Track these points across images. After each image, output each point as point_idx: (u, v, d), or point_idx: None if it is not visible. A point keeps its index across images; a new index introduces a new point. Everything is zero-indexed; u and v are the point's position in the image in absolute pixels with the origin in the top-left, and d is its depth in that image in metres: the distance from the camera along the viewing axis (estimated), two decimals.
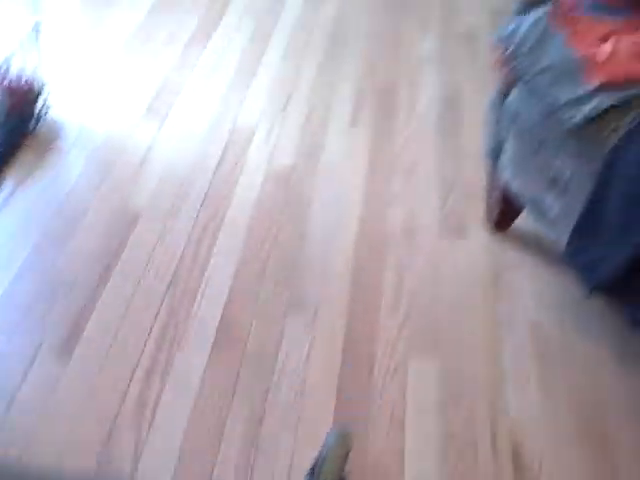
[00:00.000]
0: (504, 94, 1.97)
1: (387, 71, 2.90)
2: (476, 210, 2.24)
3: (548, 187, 1.86)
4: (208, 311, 1.91)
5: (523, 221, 2.14)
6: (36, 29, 2.51)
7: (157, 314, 1.89)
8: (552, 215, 1.87)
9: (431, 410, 1.71)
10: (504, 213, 2.16)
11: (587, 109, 1.64)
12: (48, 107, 2.49)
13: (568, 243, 1.76)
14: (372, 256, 2.09)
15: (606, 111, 1.62)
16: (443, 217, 2.23)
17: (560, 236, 1.82)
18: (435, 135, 2.55)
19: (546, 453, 1.63)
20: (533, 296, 2.00)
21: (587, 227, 1.71)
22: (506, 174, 2.02)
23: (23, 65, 2.45)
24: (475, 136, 2.38)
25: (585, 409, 1.72)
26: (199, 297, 1.94)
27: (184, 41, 2.98)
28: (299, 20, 3.18)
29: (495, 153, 2.07)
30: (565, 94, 1.69)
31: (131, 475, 1.54)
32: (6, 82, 2.38)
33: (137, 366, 1.76)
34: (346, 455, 1.14)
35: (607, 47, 1.67)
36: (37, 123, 2.45)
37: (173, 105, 2.62)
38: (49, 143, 2.43)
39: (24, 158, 2.36)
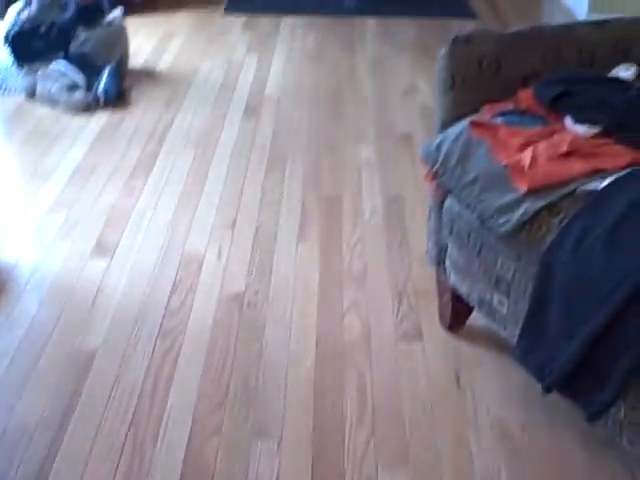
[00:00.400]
0: (440, 203, 2.05)
1: (329, 180, 2.99)
2: (430, 311, 2.28)
3: (493, 288, 1.91)
4: (172, 447, 1.87)
5: (477, 318, 2.19)
6: None
7: (120, 455, 1.85)
8: (501, 315, 1.91)
9: None
10: (456, 313, 2.20)
11: (518, 214, 1.71)
12: None
13: (517, 343, 1.80)
14: (332, 370, 2.10)
15: (536, 214, 1.69)
16: (398, 322, 2.27)
17: (511, 335, 1.86)
18: (382, 239, 2.62)
19: None
20: (495, 393, 2.02)
21: (533, 326, 1.75)
22: (452, 277, 2.07)
23: None
24: (422, 236, 2.44)
25: None
26: (162, 433, 1.91)
27: (127, 173, 3.04)
28: (237, 141, 3.28)
29: (439, 258, 2.13)
30: (495, 201, 1.77)
31: None
32: None
33: None
34: None
35: (528, 153, 1.76)
36: None
37: (121, 237, 2.65)
38: (0, 286, 2.42)
39: None
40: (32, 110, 3.59)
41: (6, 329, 2.27)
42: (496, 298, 1.91)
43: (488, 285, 1.92)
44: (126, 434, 1.91)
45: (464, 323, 2.23)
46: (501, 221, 1.75)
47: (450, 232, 2.00)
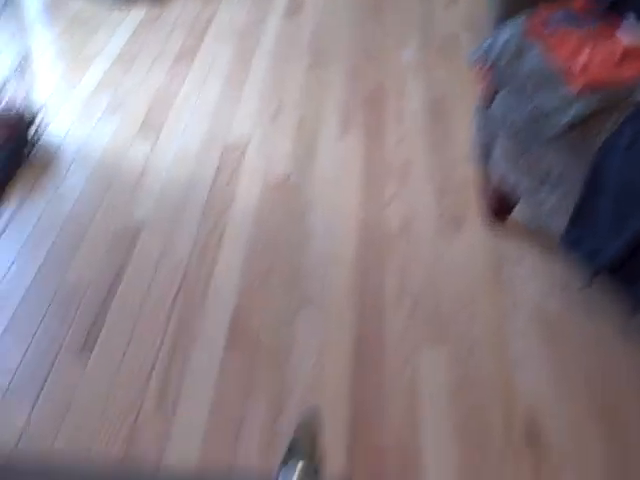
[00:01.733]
0: (488, 101, 2.04)
1: (372, 80, 2.96)
2: (472, 206, 2.30)
3: (541, 181, 1.92)
4: (218, 315, 1.94)
5: (519, 213, 2.21)
6: (25, 57, 2.53)
7: (168, 319, 1.92)
8: (548, 207, 1.92)
9: (444, 397, 1.75)
10: (500, 207, 2.22)
11: (571, 114, 1.71)
12: (42, 133, 2.52)
13: (565, 234, 1.82)
14: (374, 256, 2.14)
15: (588, 116, 1.69)
16: (440, 215, 2.28)
17: (557, 227, 1.88)
18: (425, 137, 2.61)
19: (559, 432, 1.67)
20: (535, 284, 2.05)
21: (583, 218, 1.77)
22: (499, 170, 2.08)
23: (14, 93, 2.47)
24: (465, 135, 2.44)
25: (595, 387, 1.77)
26: (208, 302, 1.97)
27: (170, 59, 3.03)
28: (281, 34, 3.24)
29: (485, 153, 2.13)
30: (547, 101, 1.77)
31: (157, 463, 1.56)
32: None
33: (154, 366, 1.80)
34: (317, 432, 1.11)
35: (582, 55, 1.75)
36: (32, 149, 2.48)
37: (165, 121, 2.66)
38: (46, 167, 2.46)
39: (22, 183, 2.38)
40: (68, 3, 3.55)
41: (54, 203, 2.32)
42: (543, 191, 1.92)
43: (536, 178, 1.93)
44: (172, 304, 1.97)
45: (505, 219, 2.25)
46: (553, 121, 1.75)
47: (499, 128, 2.00)
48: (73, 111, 2.72)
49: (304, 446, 1.09)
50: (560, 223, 1.86)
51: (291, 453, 1.08)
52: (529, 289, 2.04)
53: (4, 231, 2.19)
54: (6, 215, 2.25)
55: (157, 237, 2.18)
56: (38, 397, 1.70)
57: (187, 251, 2.13)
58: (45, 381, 1.75)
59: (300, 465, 1.05)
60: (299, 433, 1.11)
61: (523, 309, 1.98)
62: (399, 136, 2.63)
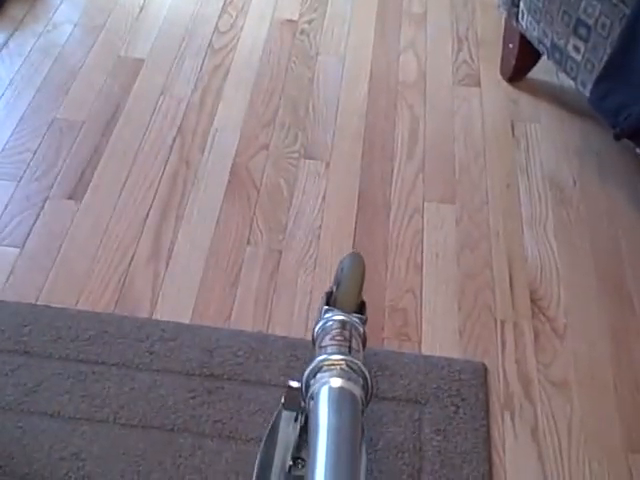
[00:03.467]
0: None
1: None
2: (490, 60, 2.17)
3: (572, 32, 1.79)
4: (219, 156, 1.86)
5: (539, 73, 2.10)
6: None
7: (167, 160, 1.84)
8: (574, 61, 1.81)
9: (448, 253, 1.70)
10: (520, 63, 2.10)
11: None
12: None
13: (593, 87, 1.71)
14: (385, 105, 2.03)
15: None
16: (457, 67, 2.16)
17: (584, 82, 1.77)
18: None
19: (564, 297, 1.63)
20: (549, 145, 1.96)
21: (614, 72, 1.66)
22: (525, 21, 1.94)
23: None
24: None
25: (602, 257, 1.72)
26: (209, 142, 1.89)
27: None
28: None
29: (513, 1, 1.99)
30: None
31: (150, 312, 1.53)
32: None
33: (150, 207, 1.73)
34: (362, 278, 1.09)
35: None
36: None
37: None
38: None
39: (13, 9, 2.23)
40: None
41: (47, 34, 2.18)
42: (572, 43, 1.80)
43: (566, 29, 1.80)
44: (173, 141, 1.89)
45: (525, 75, 2.13)
46: None
47: None
48: None
49: (348, 288, 1.05)
50: (589, 78, 1.75)
51: (336, 294, 1.04)
52: (542, 150, 1.96)
53: None
54: None
55: (157, 75, 2.07)
56: (24, 245, 1.64)
57: (189, 90, 2.03)
58: (33, 225, 1.68)
59: (341, 313, 0.99)
60: (344, 275, 1.07)
61: (535, 169, 1.90)
62: None
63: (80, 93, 1.99)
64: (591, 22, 1.73)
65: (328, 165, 1.87)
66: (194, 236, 1.68)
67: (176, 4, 2.30)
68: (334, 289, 1.07)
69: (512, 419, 1.42)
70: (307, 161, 1.87)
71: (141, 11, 2.28)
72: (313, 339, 0.99)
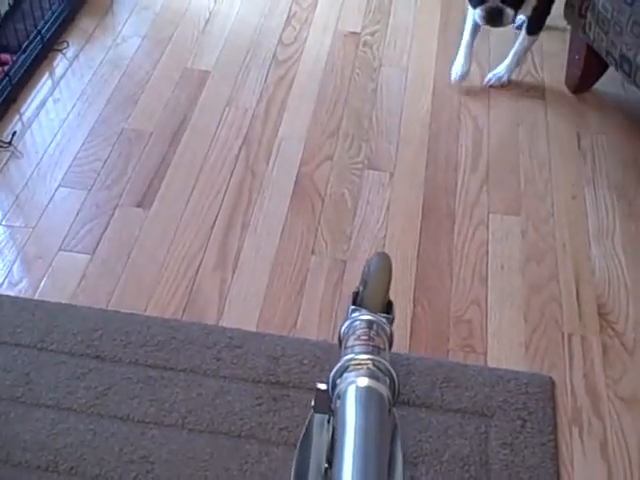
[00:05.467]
0: None
1: None
2: (555, 72, 2.16)
3: None
4: (284, 166, 1.88)
5: (605, 85, 2.08)
6: None
7: (233, 169, 1.87)
8: None
9: (513, 265, 1.69)
10: (586, 74, 2.08)
11: None
12: None
13: None
14: (449, 117, 2.03)
15: None
16: (521, 78, 2.15)
17: None
18: None
19: (632, 311, 1.60)
20: (617, 158, 1.94)
21: None
22: (593, 32, 1.93)
23: None
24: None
25: None
26: (274, 153, 1.91)
27: None
28: None
29: (580, 11, 1.97)
30: None
31: (217, 319, 1.55)
32: None
33: (217, 216, 1.75)
34: (389, 278, 1.07)
35: None
36: None
37: None
38: (107, 10, 2.35)
39: (84, 22, 2.29)
40: None
41: (115, 48, 2.23)
42: None
43: (636, 40, 1.78)
44: (239, 150, 1.92)
45: (591, 86, 2.11)
46: None
47: None
48: None
49: (375, 290, 1.05)
50: None
51: (362, 296, 1.04)
52: (609, 162, 1.93)
53: (64, 75, 2.11)
54: (67, 58, 2.17)
55: (223, 86, 2.10)
56: (95, 251, 1.67)
57: (254, 101, 2.05)
58: (104, 232, 1.71)
59: (368, 312, 1.01)
60: (370, 275, 1.06)
61: (601, 182, 1.88)
62: None
63: (148, 104, 2.03)
64: None
65: (392, 176, 1.87)
66: (260, 244, 1.70)
67: (241, 17, 2.34)
68: (360, 289, 1.05)
69: (580, 434, 1.40)
70: (371, 172, 1.88)
71: (207, 24, 2.32)
72: (340, 339, 0.99)
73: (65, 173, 1.83)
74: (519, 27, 2.14)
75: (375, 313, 0.99)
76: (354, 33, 2.28)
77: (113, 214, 1.75)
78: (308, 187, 1.83)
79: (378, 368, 0.88)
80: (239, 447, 1.35)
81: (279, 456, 1.34)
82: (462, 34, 2.10)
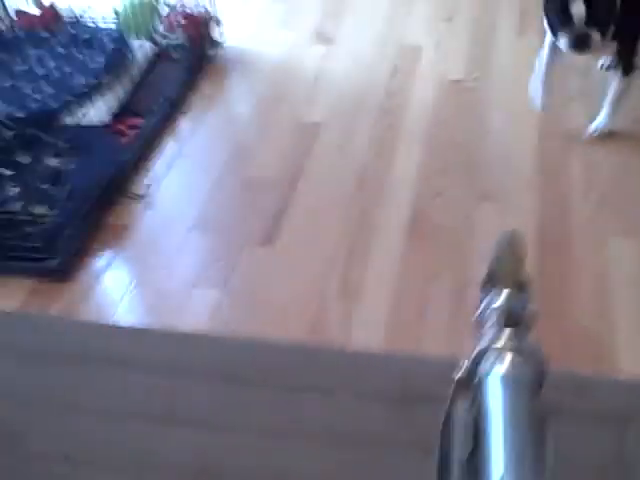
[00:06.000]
0: None
1: None
2: None
3: None
4: (398, 205, 1.96)
5: None
6: None
7: (349, 210, 1.96)
8: None
9: (634, 286, 1.69)
10: None
11: None
12: (224, 36, 2.60)
13: None
14: (557, 154, 2.08)
15: None
16: (629, 110, 2.18)
17: None
18: None
19: None
20: None
21: None
22: None
23: None
24: None
25: None
26: (387, 192, 2.00)
27: None
28: None
29: None
30: None
31: (342, 346, 1.61)
32: (185, 12, 2.51)
33: (337, 255, 1.84)
34: (521, 254, 0.99)
35: None
36: (215, 51, 2.56)
37: (340, 26, 2.68)
38: (225, 70, 2.54)
39: (206, 85, 2.48)
40: None
41: (235, 103, 2.40)
42: None
43: None
44: (353, 193, 2.01)
45: None
46: None
47: None
48: (249, 21, 2.78)
49: (507, 268, 0.97)
50: None
51: (493, 277, 0.96)
52: None
53: (193, 131, 2.29)
54: (190, 119, 2.35)
55: (335, 135, 2.22)
56: (225, 284, 1.78)
57: (365, 148, 2.16)
58: (233, 270, 1.82)
59: (505, 291, 0.93)
60: (501, 253, 0.98)
61: None
62: None
63: (266, 157, 2.17)
64: None
65: (505, 208, 1.92)
66: (379, 274, 1.77)
67: (349, 71, 2.47)
68: (493, 268, 0.97)
69: None
70: (482, 208, 1.93)
71: (316, 80, 2.46)
72: (476, 322, 0.93)
73: (196, 218, 1.97)
74: (608, 68, 2.15)
75: (511, 293, 0.91)
76: (457, 80, 2.38)
77: (241, 253, 1.86)
78: (423, 223, 1.90)
79: (521, 352, 0.84)
80: (377, 460, 1.40)
81: (413, 467, 1.38)
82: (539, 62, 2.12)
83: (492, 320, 0.91)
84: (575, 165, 2.03)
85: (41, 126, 2.13)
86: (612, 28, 1.85)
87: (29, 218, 1.88)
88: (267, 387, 1.54)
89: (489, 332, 0.89)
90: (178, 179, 2.11)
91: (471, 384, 0.87)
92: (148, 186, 2.07)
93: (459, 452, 0.99)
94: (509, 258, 0.99)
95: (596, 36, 1.84)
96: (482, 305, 0.94)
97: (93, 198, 1.95)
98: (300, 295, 1.74)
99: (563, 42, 1.88)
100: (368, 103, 2.33)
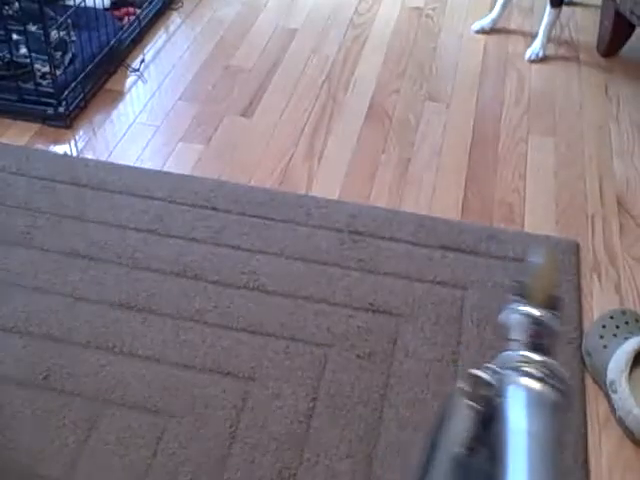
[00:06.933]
0: None
1: None
2: (587, 43, 2.55)
3: None
4: (359, 95, 2.29)
5: (631, 51, 2.46)
6: None
7: (317, 97, 2.28)
8: None
9: (548, 170, 2.05)
10: (614, 39, 2.47)
11: None
12: None
13: None
14: (496, 68, 2.44)
15: None
16: (557, 46, 2.55)
17: None
18: None
19: None
20: (638, 102, 2.30)
21: None
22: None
23: None
24: None
25: None
26: (351, 85, 2.32)
27: None
28: None
29: None
30: None
31: (306, 191, 1.94)
32: None
33: (305, 124, 2.16)
34: (555, 271, 0.98)
35: None
36: None
37: None
38: None
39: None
40: None
41: (222, 6, 2.69)
42: None
43: None
44: (322, 84, 2.33)
45: (618, 51, 2.50)
46: None
47: None
48: None
49: (541, 285, 0.92)
50: None
51: (528, 289, 0.91)
52: (632, 105, 2.30)
53: (179, 27, 2.57)
54: (181, 15, 2.63)
55: (309, 41, 2.53)
56: (208, 143, 2.09)
57: (334, 51, 2.48)
58: (215, 131, 2.13)
59: (535, 306, 0.89)
60: (535, 268, 0.94)
61: (624, 117, 2.24)
62: None
63: (246, 52, 2.47)
64: None
65: (448, 106, 2.27)
66: (340, 144, 2.10)
67: None
68: (526, 281, 0.94)
69: (599, 278, 1.75)
70: (431, 103, 2.28)
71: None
72: (503, 325, 0.90)
73: (183, 91, 2.27)
74: None
75: (542, 308, 0.89)
76: (417, 7, 2.72)
77: (222, 119, 2.17)
78: (379, 110, 2.24)
79: (550, 371, 0.82)
80: (325, 270, 1.73)
81: (357, 277, 1.71)
82: None
83: (523, 330, 0.90)
84: (510, 79, 2.39)
85: (46, 2, 2.38)
86: None
87: (38, 73, 2.15)
88: (239, 214, 1.85)
89: (520, 343, 0.88)
90: (168, 61, 2.40)
91: (486, 390, 0.85)
92: (142, 61, 2.36)
93: (451, 447, 0.95)
94: (543, 274, 0.97)
95: None
96: (515, 313, 0.91)
97: (94, 64, 2.23)
98: (272, 155, 2.06)
99: None
100: (340, 18, 2.65)
